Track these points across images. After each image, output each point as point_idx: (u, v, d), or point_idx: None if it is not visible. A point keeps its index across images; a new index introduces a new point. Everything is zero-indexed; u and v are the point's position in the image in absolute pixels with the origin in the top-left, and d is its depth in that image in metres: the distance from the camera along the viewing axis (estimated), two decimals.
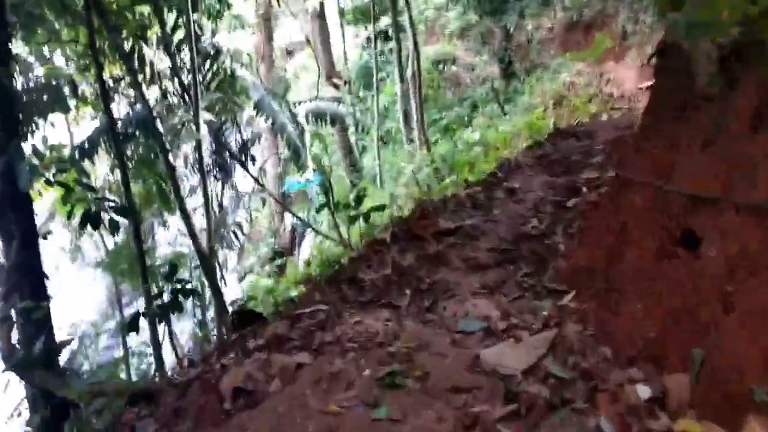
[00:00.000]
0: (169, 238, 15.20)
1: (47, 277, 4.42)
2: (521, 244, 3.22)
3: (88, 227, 4.66)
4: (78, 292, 12.27)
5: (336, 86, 11.04)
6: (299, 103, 9.31)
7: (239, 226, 9.34)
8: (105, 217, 4.83)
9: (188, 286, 4.82)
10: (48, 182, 4.20)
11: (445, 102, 16.35)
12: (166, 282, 4.98)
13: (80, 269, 12.55)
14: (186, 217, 7.08)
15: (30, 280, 4.18)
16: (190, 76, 8.38)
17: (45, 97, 9.14)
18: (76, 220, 4.64)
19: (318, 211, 8.73)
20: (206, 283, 7.63)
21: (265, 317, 4.02)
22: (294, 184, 13.82)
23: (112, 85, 9.47)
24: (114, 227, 4.84)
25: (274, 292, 10.71)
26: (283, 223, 15.77)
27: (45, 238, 4.60)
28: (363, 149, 18.05)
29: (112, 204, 4.69)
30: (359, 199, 14.27)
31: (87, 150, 9.51)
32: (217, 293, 6.75)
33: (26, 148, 10.45)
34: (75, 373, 3.94)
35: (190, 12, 7.32)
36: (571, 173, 4.33)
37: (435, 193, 10.25)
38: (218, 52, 8.35)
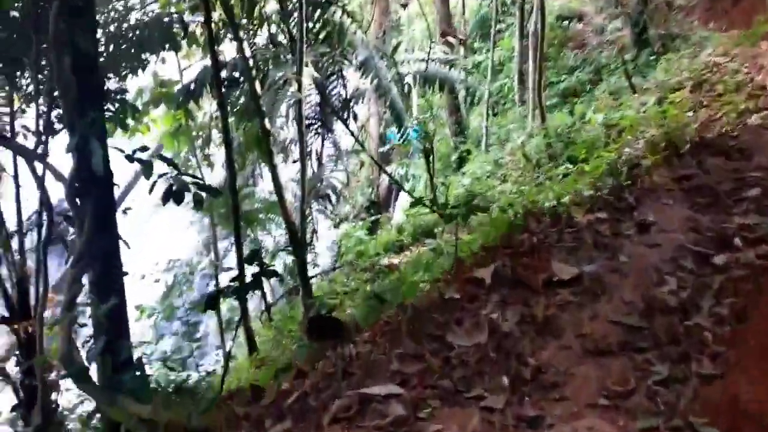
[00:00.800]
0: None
1: (123, 272, 4.19)
2: (654, 318, 2.59)
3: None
4: (176, 231, 12.50)
5: (450, 45, 10.27)
6: (408, 62, 8.69)
7: (332, 188, 8.99)
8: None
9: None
10: (128, 158, 3.90)
11: (566, 64, 15.14)
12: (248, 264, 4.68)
13: (178, 209, 12.72)
14: (275, 179, 6.72)
15: (104, 268, 3.95)
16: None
17: (156, 34, 9.01)
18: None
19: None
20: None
21: (342, 328, 3.62)
22: (395, 135, 13.32)
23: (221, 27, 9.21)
24: (198, 202, 4.53)
25: (362, 256, 10.42)
26: (380, 176, 15.39)
27: (125, 213, 4.36)
28: (470, 105, 17.18)
29: (195, 181, 4.36)
30: (461, 162, 13.67)
31: (192, 92, 9.38)
32: (304, 276, 6.41)
33: (134, 84, 10.42)
34: (140, 375, 3.69)
35: None
36: (720, 210, 3.56)
37: (545, 172, 9.50)
38: (328, 2, 7.82)
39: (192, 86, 8.89)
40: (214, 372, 7.66)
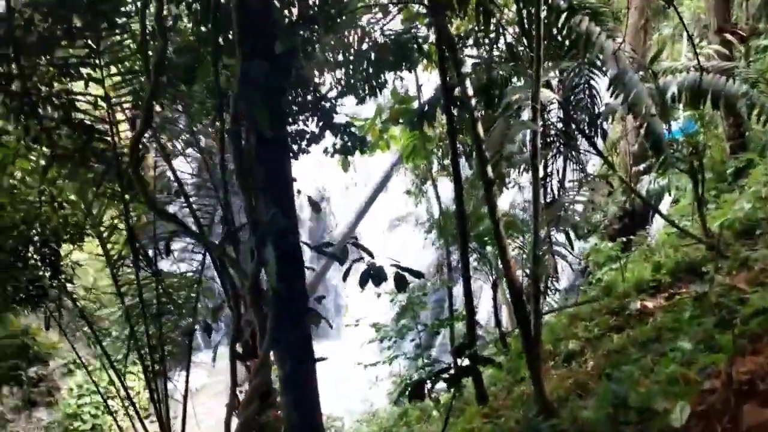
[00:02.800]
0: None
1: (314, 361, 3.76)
2: None
3: None
4: (410, 251, 12.30)
5: (728, 43, 8.38)
6: (673, 72, 7.17)
7: (573, 221, 7.81)
8: None
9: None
10: (318, 250, 3.43)
11: None
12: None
13: (413, 231, 12.54)
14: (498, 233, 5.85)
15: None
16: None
17: (393, 54, 8.67)
18: None
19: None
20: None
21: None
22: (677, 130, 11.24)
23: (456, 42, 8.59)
24: (401, 284, 3.94)
25: (610, 292, 9.05)
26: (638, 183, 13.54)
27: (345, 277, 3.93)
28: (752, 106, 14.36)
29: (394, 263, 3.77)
30: (739, 174, 11.29)
31: (424, 113, 8.93)
32: (527, 333, 5.50)
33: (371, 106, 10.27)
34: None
35: None
36: None
37: None
38: (572, 9, 6.69)
39: (426, 107, 8.41)
40: None
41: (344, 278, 3.71)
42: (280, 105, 4.53)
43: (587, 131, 7.95)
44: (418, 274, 3.71)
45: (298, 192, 4.48)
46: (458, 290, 11.11)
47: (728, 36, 8.14)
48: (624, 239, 14.17)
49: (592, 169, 11.62)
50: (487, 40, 8.09)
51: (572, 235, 8.59)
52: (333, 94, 7.58)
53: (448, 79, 7.24)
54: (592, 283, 14.31)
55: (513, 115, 6.23)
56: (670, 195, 13.35)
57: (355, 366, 10.70)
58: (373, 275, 3.71)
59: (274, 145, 4.01)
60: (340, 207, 20.99)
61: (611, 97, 6.78)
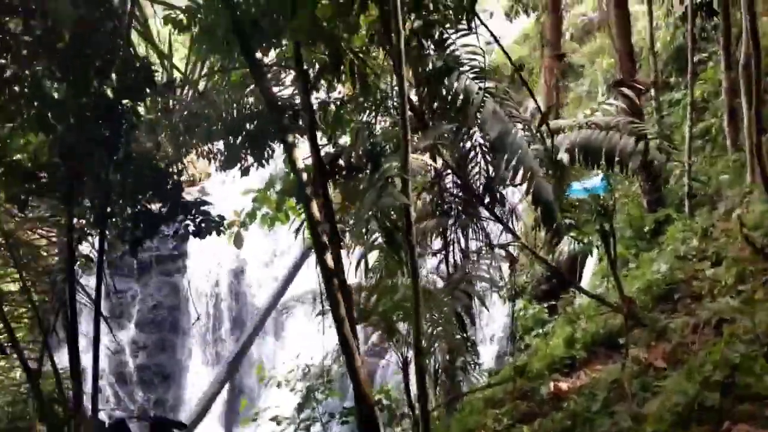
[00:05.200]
0: None
1: None
2: None
3: None
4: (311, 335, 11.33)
5: (627, 97, 7.93)
6: (567, 130, 6.59)
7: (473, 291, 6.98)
8: None
9: None
10: None
11: None
12: None
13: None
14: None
15: None
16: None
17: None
18: None
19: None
20: None
21: None
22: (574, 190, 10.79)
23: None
24: None
25: (523, 373, 8.23)
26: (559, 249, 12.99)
27: None
28: (668, 155, 14.18)
29: None
30: (658, 230, 10.61)
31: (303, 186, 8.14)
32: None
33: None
34: None
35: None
36: None
37: None
38: (448, 68, 6.06)
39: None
40: None
41: None
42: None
43: (482, 197, 7.26)
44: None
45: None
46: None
47: (625, 90, 7.68)
48: (548, 303, 13.55)
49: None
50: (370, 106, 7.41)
51: (478, 305, 7.82)
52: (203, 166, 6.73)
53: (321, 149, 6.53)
54: (520, 350, 13.58)
55: (386, 185, 5.44)
56: (591, 255, 12.88)
57: None
58: None
59: None
60: (263, 278, 19.92)
61: (492, 159, 6.12)
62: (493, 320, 16.14)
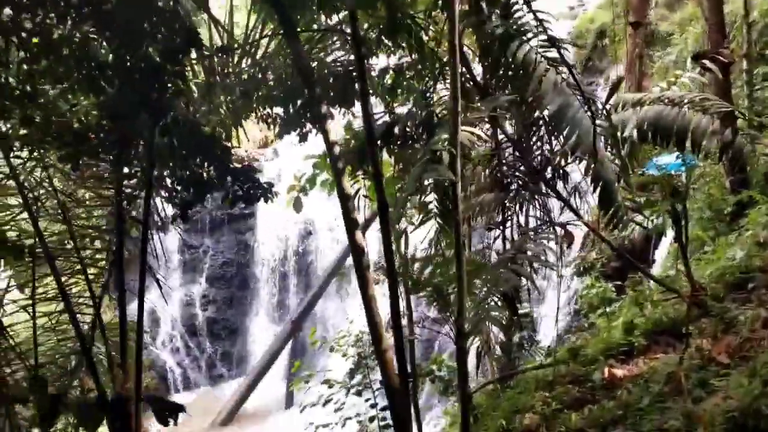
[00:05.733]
0: None
1: None
2: None
3: None
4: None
5: (708, 70, 7.30)
6: (639, 105, 6.12)
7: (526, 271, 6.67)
8: None
9: None
10: None
11: None
12: None
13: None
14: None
15: None
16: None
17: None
18: None
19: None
20: None
21: None
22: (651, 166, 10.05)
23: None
24: None
25: (577, 355, 7.91)
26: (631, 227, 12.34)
27: None
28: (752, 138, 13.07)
29: None
30: (739, 212, 9.99)
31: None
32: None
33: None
34: None
35: None
36: None
37: None
38: (509, 36, 5.72)
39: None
40: None
41: None
42: None
43: (543, 173, 6.92)
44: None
45: None
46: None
47: (707, 63, 7.07)
48: (616, 282, 13.02)
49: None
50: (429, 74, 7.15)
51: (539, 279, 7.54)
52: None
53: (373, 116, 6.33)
54: (582, 329, 13.22)
55: (432, 159, 5.22)
56: (665, 235, 12.24)
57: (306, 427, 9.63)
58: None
59: None
60: (329, 241, 20.10)
61: (542, 139, 5.78)
62: (557, 296, 15.75)
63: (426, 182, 5.92)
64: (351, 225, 5.05)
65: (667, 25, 16.07)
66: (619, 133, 5.69)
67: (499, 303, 5.82)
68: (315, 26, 6.95)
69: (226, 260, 20.77)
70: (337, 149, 5.36)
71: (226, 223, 20.90)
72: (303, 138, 8.31)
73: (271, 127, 8.06)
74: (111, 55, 4.67)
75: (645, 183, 11.47)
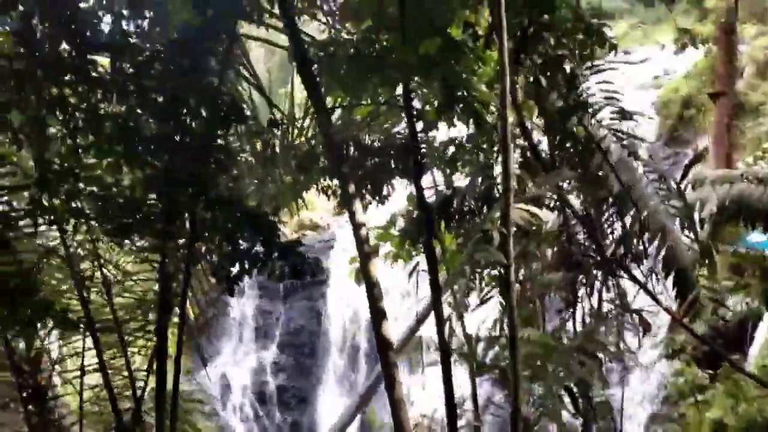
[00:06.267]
0: None
1: None
2: None
3: None
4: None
5: None
6: (722, 183, 5.56)
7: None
8: None
9: None
10: None
11: None
12: None
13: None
14: None
15: None
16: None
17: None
18: None
19: None
20: None
21: None
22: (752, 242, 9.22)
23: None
24: None
25: None
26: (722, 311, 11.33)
27: None
28: None
29: None
30: None
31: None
32: None
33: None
34: None
35: None
36: None
37: None
38: (571, 109, 5.37)
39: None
40: None
41: None
42: None
43: (615, 253, 6.39)
44: None
45: None
46: None
47: None
48: (709, 372, 12.00)
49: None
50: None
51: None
52: None
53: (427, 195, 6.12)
54: (670, 419, 12.21)
55: (482, 238, 4.86)
56: (762, 320, 11.20)
57: None
58: None
59: None
60: (401, 311, 19.64)
61: (614, 217, 5.30)
62: (646, 380, 14.68)
63: (482, 261, 5.57)
64: (378, 316, 4.75)
65: (760, 95, 15.19)
66: (696, 213, 5.15)
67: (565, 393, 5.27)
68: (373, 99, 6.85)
69: (298, 327, 20.67)
70: (364, 231, 5.12)
71: (299, 290, 20.92)
72: (364, 209, 8.16)
73: (329, 198, 7.97)
74: (155, 130, 4.66)
75: (736, 263, 10.57)
